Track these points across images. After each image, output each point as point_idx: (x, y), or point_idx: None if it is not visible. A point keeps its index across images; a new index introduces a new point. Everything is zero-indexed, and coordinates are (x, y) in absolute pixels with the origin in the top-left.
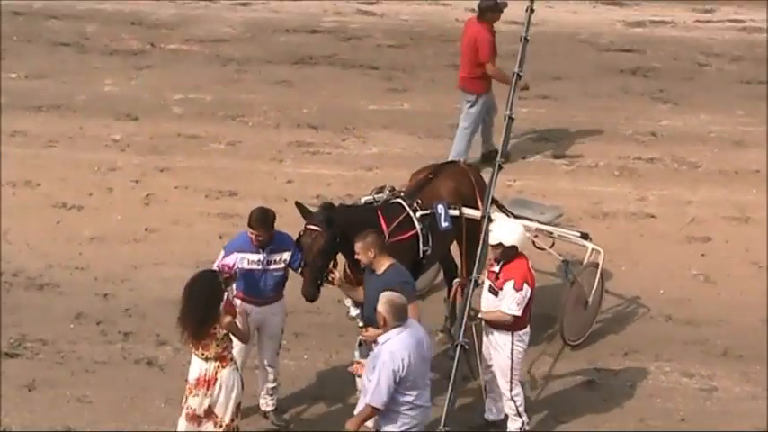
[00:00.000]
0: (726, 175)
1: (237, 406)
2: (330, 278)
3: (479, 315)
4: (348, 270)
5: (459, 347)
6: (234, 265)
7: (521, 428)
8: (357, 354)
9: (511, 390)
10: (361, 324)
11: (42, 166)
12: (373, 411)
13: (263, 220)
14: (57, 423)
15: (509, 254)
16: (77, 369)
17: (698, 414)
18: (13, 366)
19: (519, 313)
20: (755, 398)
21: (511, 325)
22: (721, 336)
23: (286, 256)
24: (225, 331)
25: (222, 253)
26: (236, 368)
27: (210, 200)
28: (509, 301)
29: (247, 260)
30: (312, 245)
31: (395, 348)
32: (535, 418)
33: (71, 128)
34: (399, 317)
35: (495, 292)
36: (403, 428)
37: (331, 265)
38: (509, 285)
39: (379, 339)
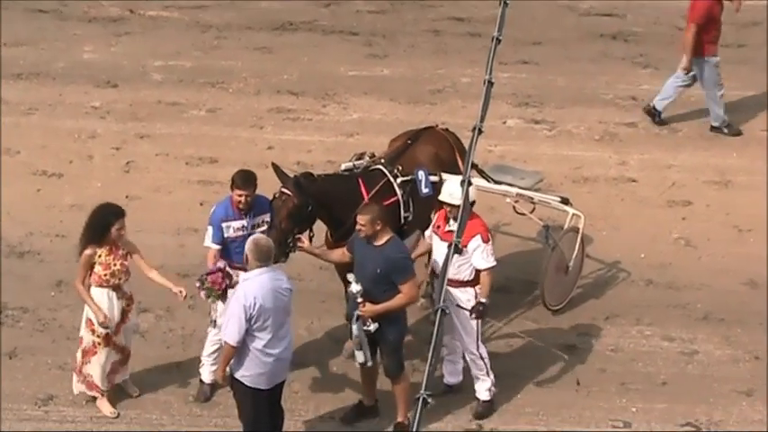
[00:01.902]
0: (706, 140)
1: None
2: (299, 244)
3: (482, 300)
4: (330, 238)
5: (440, 312)
6: (225, 269)
7: (489, 389)
8: (354, 328)
9: (478, 348)
10: (360, 300)
11: (22, 134)
12: (230, 349)
13: (248, 178)
14: (38, 391)
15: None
16: (59, 337)
17: (679, 377)
18: None
19: (495, 263)
20: (736, 361)
21: (472, 280)
22: (702, 300)
23: (267, 218)
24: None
25: (210, 229)
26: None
27: (191, 167)
28: (485, 255)
29: (233, 228)
30: (281, 208)
31: (249, 287)
32: (516, 381)
33: (50, 95)
34: (261, 258)
35: (457, 250)
36: (248, 372)
37: (306, 233)
38: (477, 240)
39: (240, 278)
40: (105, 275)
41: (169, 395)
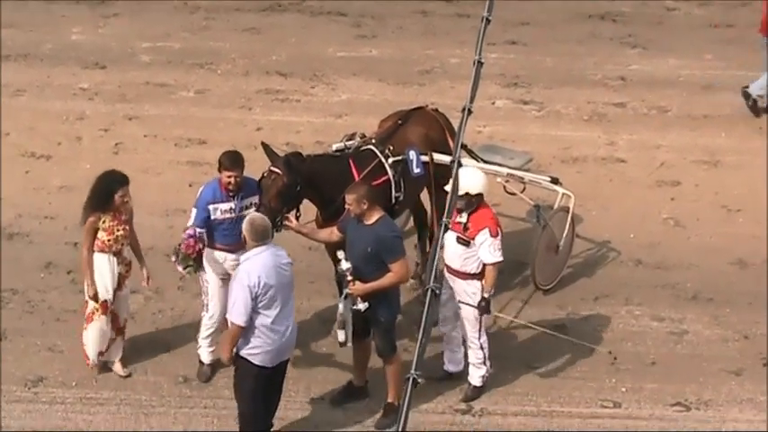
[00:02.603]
0: (695, 119)
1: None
2: (286, 224)
3: (486, 294)
4: (320, 217)
5: (429, 292)
6: (195, 235)
7: (483, 376)
8: (341, 306)
9: (479, 338)
10: (350, 278)
11: (10, 116)
12: (238, 329)
13: (236, 159)
14: (28, 372)
15: (475, 202)
16: (48, 318)
17: (668, 357)
18: None
19: (502, 258)
20: (725, 341)
21: (478, 273)
22: (691, 279)
23: (255, 200)
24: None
25: (194, 211)
26: None
27: (180, 148)
28: (491, 249)
29: (220, 210)
30: (270, 186)
31: (251, 266)
32: (507, 363)
33: (39, 77)
34: (258, 237)
35: (465, 242)
36: (255, 350)
37: (294, 213)
38: (485, 234)
39: (241, 258)
40: (108, 241)
41: (159, 376)
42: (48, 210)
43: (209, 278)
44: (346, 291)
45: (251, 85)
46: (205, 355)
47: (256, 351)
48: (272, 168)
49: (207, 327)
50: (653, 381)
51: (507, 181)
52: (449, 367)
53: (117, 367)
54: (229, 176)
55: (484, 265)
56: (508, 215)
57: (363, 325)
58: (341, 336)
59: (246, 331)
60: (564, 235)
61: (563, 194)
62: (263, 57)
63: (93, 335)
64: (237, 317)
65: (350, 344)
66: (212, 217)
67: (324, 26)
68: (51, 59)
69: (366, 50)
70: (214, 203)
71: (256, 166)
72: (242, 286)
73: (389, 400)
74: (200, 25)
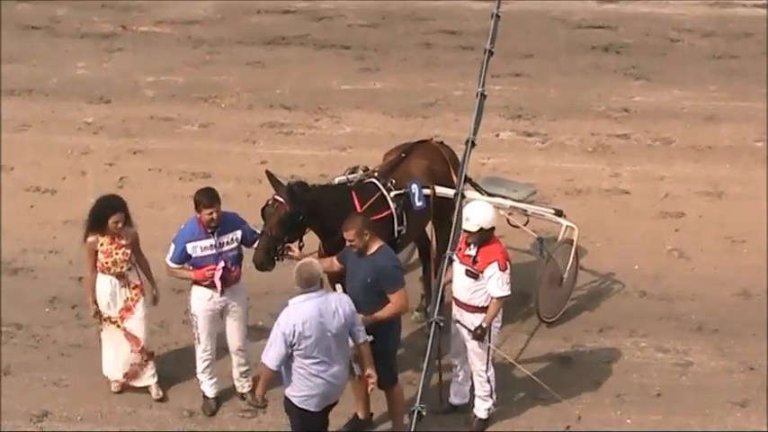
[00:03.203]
0: (699, 151)
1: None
2: (287, 253)
3: (483, 324)
4: (322, 249)
5: (434, 325)
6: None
7: (488, 409)
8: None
9: (487, 371)
10: None
11: (15, 151)
12: (269, 371)
13: (213, 195)
14: (33, 407)
15: (487, 236)
16: (53, 353)
17: (673, 389)
18: None
19: (509, 292)
20: (730, 372)
21: (486, 307)
22: (696, 311)
23: (237, 234)
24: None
25: (173, 246)
26: None
27: (184, 182)
28: (499, 283)
29: (200, 247)
30: (272, 215)
31: (290, 314)
32: (512, 395)
33: (43, 111)
34: (302, 284)
35: (474, 275)
36: (301, 394)
37: (297, 243)
38: (493, 268)
39: (290, 301)
40: (107, 263)
41: (163, 410)
42: (52, 244)
43: (197, 313)
44: None
45: (255, 119)
46: (208, 388)
47: (299, 394)
48: (276, 197)
49: (202, 360)
50: (658, 412)
51: (511, 213)
52: (454, 400)
53: (152, 391)
54: (210, 213)
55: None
56: (512, 247)
57: None
58: (357, 369)
59: (288, 372)
60: (568, 267)
61: (567, 227)
62: (266, 90)
63: (104, 352)
64: (269, 360)
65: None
66: (193, 255)
67: (327, 59)
68: (56, 94)
69: (370, 83)
70: (192, 241)
71: (261, 200)
72: (279, 332)
73: None
74: (204, 59)
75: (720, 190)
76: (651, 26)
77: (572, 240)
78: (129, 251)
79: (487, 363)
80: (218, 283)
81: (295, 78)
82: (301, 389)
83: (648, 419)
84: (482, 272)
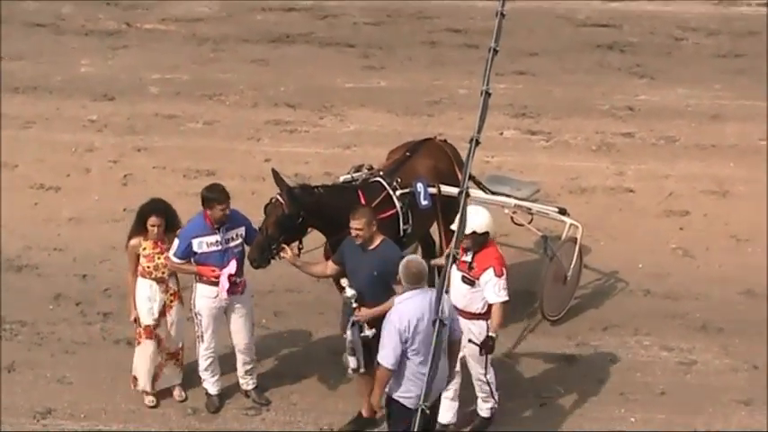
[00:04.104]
0: (703, 149)
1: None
2: (282, 254)
3: (492, 335)
4: (329, 248)
5: (438, 323)
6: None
7: (491, 408)
8: (349, 334)
9: (486, 374)
10: (355, 305)
11: (19, 148)
12: (386, 372)
13: (225, 191)
14: (37, 404)
15: (481, 241)
16: (57, 350)
17: (678, 387)
18: None
19: (507, 297)
20: (735, 371)
21: (484, 313)
22: (700, 309)
23: (241, 231)
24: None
25: (177, 241)
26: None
27: (188, 179)
28: (496, 289)
29: (206, 243)
30: (270, 214)
31: (403, 310)
32: (516, 394)
33: (48, 109)
34: (411, 281)
35: (470, 281)
36: (409, 394)
37: (296, 244)
38: (489, 274)
39: (395, 300)
40: (148, 267)
41: (167, 408)
42: (57, 241)
43: (201, 311)
44: (353, 318)
45: (259, 117)
46: (210, 386)
47: (410, 395)
48: (276, 196)
49: (204, 357)
50: (662, 411)
51: (515, 212)
52: (443, 419)
53: (175, 392)
54: (223, 209)
55: (489, 304)
56: (516, 246)
57: (368, 357)
58: (352, 362)
59: (397, 375)
60: (572, 265)
61: (571, 225)
62: (271, 88)
63: (137, 359)
64: (386, 359)
65: (362, 369)
66: (198, 251)
67: (332, 57)
68: (60, 91)
69: (374, 81)
70: (198, 237)
71: (266, 198)
72: (393, 330)
73: None
74: (209, 57)
75: (725, 188)
76: (656, 25)
77: (576, 239)
78: None
79: (486, 366)
80: (224, 290)
81: (300, 76)
82: (411, 389)
83: (652, 418)
84: (478, 278)
